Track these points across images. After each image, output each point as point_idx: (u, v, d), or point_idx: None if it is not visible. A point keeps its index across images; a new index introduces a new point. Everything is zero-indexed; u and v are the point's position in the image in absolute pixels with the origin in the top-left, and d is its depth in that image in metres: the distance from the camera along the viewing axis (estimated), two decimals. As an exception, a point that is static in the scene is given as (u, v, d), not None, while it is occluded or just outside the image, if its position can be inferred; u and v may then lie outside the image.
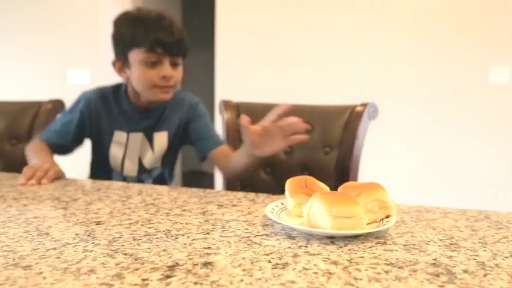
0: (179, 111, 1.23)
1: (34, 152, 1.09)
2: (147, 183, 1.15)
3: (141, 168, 1.18)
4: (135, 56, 1.06)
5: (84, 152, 1.25)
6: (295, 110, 1.34)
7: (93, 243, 0.48)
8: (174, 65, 1.09)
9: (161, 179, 1.23)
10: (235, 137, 1.33)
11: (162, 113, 1.19)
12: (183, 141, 1.26)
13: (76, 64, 3.33)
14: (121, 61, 1.10)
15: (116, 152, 1.17)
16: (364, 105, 1.25)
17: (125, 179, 1.19)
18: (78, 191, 0.78)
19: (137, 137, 1.17)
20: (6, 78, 3.22)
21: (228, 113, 1.36)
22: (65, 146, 1.16)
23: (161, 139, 1.19)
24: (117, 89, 1.19)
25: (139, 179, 1.19)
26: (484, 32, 2.39)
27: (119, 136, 1.16)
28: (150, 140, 1.18)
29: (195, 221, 0.59)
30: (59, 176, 0.94)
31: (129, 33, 1.06)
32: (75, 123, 1.14)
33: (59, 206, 0.66)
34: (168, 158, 1.24)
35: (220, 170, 1.23)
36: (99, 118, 1.16)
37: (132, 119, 1.17)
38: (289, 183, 0.64)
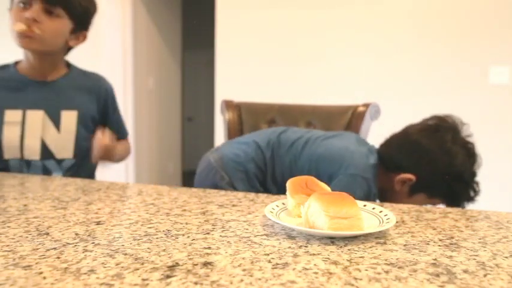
0: (92, 92, 1.18)
1: None
2: (57, 175, 1.09)
3: (45, 151, 1.10)
4: None
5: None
6: (297, 110, 1.35)
7: (93, 243, 0.48)
8: (48, 12, 1.03)
9: (75, 173, 1.13)
10: (236, 137, 1.33)
11: (62, 87, 1.13)
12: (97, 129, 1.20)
13: (76, 64, 3.32)
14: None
15: (10, 133, 1.06)
16: (366, 105, 1.25)
17: (28, 166, 1.08)
18: (78, 191, 0.78)
19: (37, 115, 1.09)
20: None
21: (230, 113, 1.36)
22: None
23: (69, 119, 1.12)
24: (4, 66, 1.13)
25: (44, 167, 1.10)
26: (484, 32, 2.39)
27: (12, 116, 1.07)
28: (54, 119, 1.11)
29: (195, 221, 0.59)
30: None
31: None
32: None
33: (59, 206, 0.66)
34: (81, 148, 1.15)
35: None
36: None
37: (25, 94, 1.09)
38: (289, 183, 0.64)
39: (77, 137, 1.14)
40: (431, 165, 0.97)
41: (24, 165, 1.09)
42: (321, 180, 0.96)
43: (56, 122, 1.11)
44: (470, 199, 0.99)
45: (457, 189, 0.98)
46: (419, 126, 1.03)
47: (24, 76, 1.12)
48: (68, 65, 1.21)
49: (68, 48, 1.20)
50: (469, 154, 0.98)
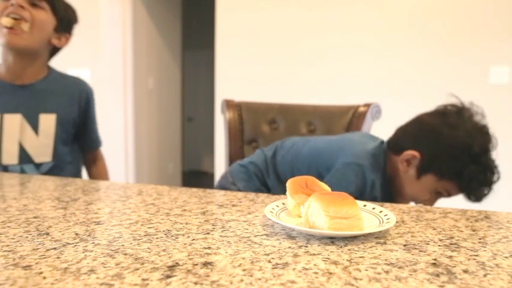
0: (72, 95, 1.19)
1: None
2: None
3: (23, 155, 1.09)
4: None
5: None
6: (298, 110, 1.34)
7: (93, 243, 0.48)
8: (32, 4, 1.05)
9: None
10: (237, 136, 1.33)
11: (41, 90, 1.13)
12: (76, 134, 1.23)
13: (76, 64, 3.33)
14: None
15: None
16: (367, 105, 1.25)
17: (5, 171, 1.07)
18: (78, 191, 0.78)
19: (15, 119, 1.08)
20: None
21: (231, 112, 1.36)
22: None
23: (48, 122, 1.12)
24: None
25: (22, 171, 1.10)
26: (484, 32, 2.39)
27: None
28: (32, 122, 1.10)
29: (195, 221, 0.59)
30: None
31: None
32: None
33: (59, 206, 0.66)
34: (60, 151, 1.16)
35: (86, 169, 1.31)
36: None
37: (3, 98, 1.09)
38: (290, 183, 0.64)
39: (56, 140, 1.14)
40: (434, 138, 0.90)
41: (1, 171, 1.08)
42: (322, 175, 0.95)
43: (34, 126, 1.11)
44: (487, 183, 0.89)
45: (467, 166, 0.87)
46: (427, 111, 0.99)
47: (2, 80, 1.11)
48: (48, 68, 1.21)
49: (52, 53, 1.20)
50: (479, 129, 0.89)
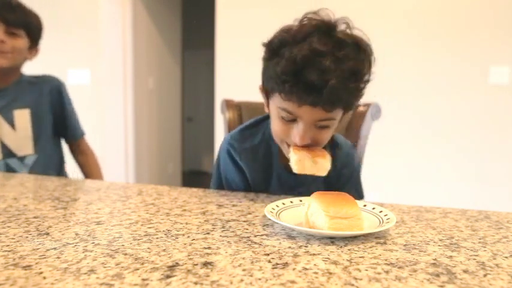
0: (43, 90, 1.28)
1: None
2: (22, 172, 1.19)
3: (5, 150, 1.19)
4: None
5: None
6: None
7: (93, 243, 0.48)
8: (11, 34, 1.17)
9: (42, 170, 1.23)
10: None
11: (13, 90, 1.23)
12: (56, 127, 1.31)
13: (76, 64, 3.33)
14: None
15: None
16: (367, 105, 1.25)
17: None
18: (78, 191, 0.78)
19: None
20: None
21: (230, 112, 1.36)
22: None
23: (22, 117, 1.22)
24: None
25: (7, 166, 1.20)
26: (484, 32, 2.39)
27: None
28: (8, 119, 1.20)
29: (195, 221, 0.59)
30: None
31: None
32: None
33: (59, 206, 0.66)
34: (41, 143, 1.25)
35: (75, 158, 1.38)
36: None
37: None
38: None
39: (34, 133, 1.23)
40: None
41: None
42: None
43: (10, 122, 1.20)
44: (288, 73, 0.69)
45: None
46: None
47: None
48: (20, 74, 1.30)
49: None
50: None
